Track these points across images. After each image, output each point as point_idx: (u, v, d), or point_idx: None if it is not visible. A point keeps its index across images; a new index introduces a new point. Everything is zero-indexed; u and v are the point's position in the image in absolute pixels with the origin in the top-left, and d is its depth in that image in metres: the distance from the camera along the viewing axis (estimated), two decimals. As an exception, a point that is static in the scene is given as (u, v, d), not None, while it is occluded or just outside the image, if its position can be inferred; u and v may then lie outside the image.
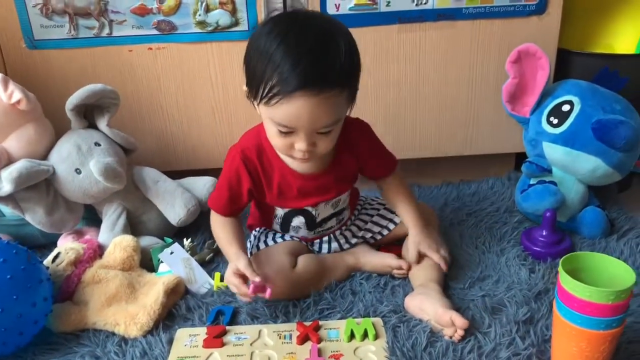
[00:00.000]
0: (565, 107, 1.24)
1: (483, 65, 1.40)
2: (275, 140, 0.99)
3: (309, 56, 0.89)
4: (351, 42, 0.96)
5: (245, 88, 1.00)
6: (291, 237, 1.18)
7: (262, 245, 1.16)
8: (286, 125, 0.94)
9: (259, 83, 0.93)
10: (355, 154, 1.12)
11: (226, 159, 1.10)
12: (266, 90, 0.92)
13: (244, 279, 1.01)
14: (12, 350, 0.96)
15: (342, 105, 0.97)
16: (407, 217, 1.16)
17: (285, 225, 1.17)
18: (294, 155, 1.00)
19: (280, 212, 1.15)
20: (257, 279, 0.99)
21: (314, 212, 1.14)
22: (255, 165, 1.08)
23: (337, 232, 1.21)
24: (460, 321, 0.95)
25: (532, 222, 1.31)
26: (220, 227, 1.12)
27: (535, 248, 1.19)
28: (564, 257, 0.85)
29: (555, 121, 1.25)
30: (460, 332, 0.96)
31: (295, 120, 0.93)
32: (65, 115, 1.21)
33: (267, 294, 0.99)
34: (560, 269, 0.83)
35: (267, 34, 0.92)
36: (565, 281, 0.82)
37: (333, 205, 1.15)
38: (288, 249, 1.14)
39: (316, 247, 1.20)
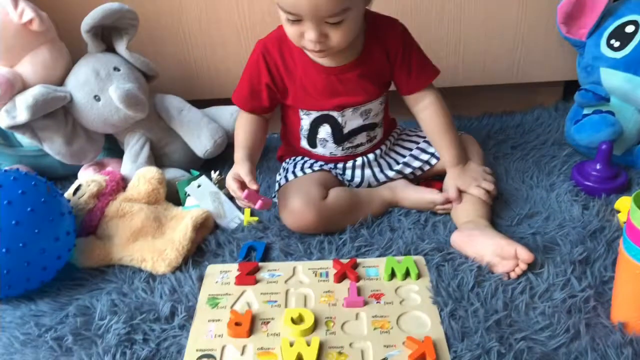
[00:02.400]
0: (629, 28, 1.12)
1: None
2: (287, 29, 0.95)
3: None
4: None
5: None
6: (321, 166, 1.11)
7: (290, 177, 1.09)
8: (290, 11, 0.90)
9: None
10: (386, 51, 1.03)
11: (251, 56, 1.06)
12: None
13: (243, 186, 0.99)
14: (36, 286, 0.92)
15: None
16: (445, 154, 1.08)
17: (312, 139, 1.09)
18: (305, 46, 0.96)
19: (305, 121, 1.07)
20: (255, 187, 0.98)
21: (340, 119, 1.06)
22: (275, 59, 1.03)
23: (372, 157, 1.12)
24: (526, 254, 0.89)
25: (584, 156, 1.22)
26: (241, 127, 1.08)
27: (588, 183, 1.10)
28: (636, 192, 0.76)
29: (616, 44, 1.13)
30: (522, 266, 0.90)
31: (296, 4, 0.88)
32: (82, 38, 1.12)
33: (258, 205, 0.98)
34: (632, 204, 0.75)
35: None
36: (638, 218, 0.74)
37: (362, 114, 1.06)
38: (318, 180, 1.07)
39: (348, 176, 1.13)
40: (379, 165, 1.13)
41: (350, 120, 1.06)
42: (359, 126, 1.08)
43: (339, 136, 1.08)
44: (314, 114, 1.06)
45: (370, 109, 1.07)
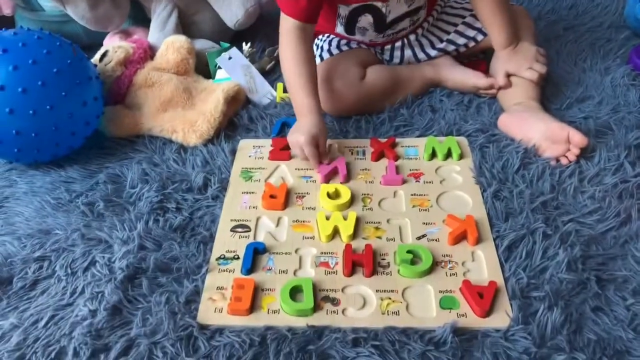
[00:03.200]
0: None
1: None
2: None
3: None
4: None
5: None
6: (358, 44, 1.03)
7: (325, 55, 1.02)
8: None
9: None
10: None
11: None
12: None
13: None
14: (65, 152, 0.90)
15: None
16: (496, 34, 0.99)
17: (350, 27, 1.01)
18: None
19: (344, 10, 0.98)
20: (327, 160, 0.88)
21: (384, 10, 0.97)
22: None
23: (413, 38, 1.05)
24: (580, 137, 0.83)
25: (644, 40, 1.13)
26: (295, 57, 0.91)
27: (648, 67, 1.02)
28: None
29: None
30: (575, 151, 0.85)
31: None
32: None
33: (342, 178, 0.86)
34: None
35: None
36: None
37: (407, 1, 0.98)
38: (356, 58, 1.00)
39: (387, 56, 1.06)
40: (420, 45, 1.06)
41: (395, 8, 0.98)
42: (404, 13, 0.99)
43: (382, 25, 1.00)
44: (354, 5, 0.96)
45: None
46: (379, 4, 0.96)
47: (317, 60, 1.02)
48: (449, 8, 1.08)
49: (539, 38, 1.14)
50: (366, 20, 0.99)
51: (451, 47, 1.05)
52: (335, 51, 1.02)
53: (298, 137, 0.86)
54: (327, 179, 0.86)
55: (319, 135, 0.87)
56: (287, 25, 0.91)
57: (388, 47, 1.05)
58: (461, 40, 1.05)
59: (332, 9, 0.99)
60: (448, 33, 1.05)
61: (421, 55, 1.06)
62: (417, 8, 1.00)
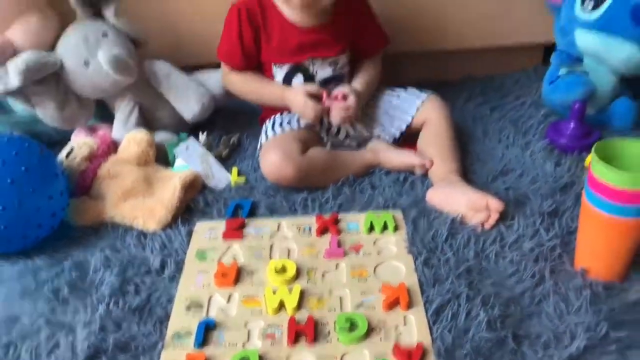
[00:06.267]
0: (603, -10, 1.15)
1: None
2: None
3: None
4: None
5: None
6: (305, 123, 1.15)
7: (270, 133, 1.14)
8: None
9: None
10: (352, 16, 1.16)
11: (229, 14, 1.15)
12: None
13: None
14: (32, 243, 0.97)
15: None
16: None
17: None
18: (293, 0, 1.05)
19: (279, 75, 1.16)
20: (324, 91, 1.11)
21: (311, 68, 1.14)
22: (257, 18, 1.12)
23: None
24: (497, 203, 0.94)
25: (560, 116, 1.25)
26: (244, 80, 1.19)
27: (562, 141, 1.15)
28: (596, 144, 0.81)
29: (590, 6, 1.16)
30: (495, 216, 0.95)
31: None
32: (70, 4, 1.15)
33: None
34: (592, 154, 0.79)
35: None
36: (597, 167, 0.78)
37: (330, 64, 1.15)
38: (298, 136, 1.12)
39: (333, 131, 1.18)
40: (352, 125, 1.18)
41: (321, 69, 1.15)
42: (330, 76, 1.16)
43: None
44: (287, 66, 1.15)
45: (338, 60, 1.16)
46: (306, 62, 1.14)
47: (263, 138, 1.14)
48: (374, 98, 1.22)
49: (468, 119, 1.29)
50: (298, 80, 1.16)
51: (385, 136, 1.18)
52: (278, 129, 1.14)
53: (298, 99, 1.09)
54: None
55: (305, 89, 1.10)
56: (227, 69, 1.20)
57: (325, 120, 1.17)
58: (393, 130, 1.18)
59: (269, 76, 1.17)
60: (374, 121, 1.19)
61: (351, 130, 1.18)
62: (341, 75, 1.18)
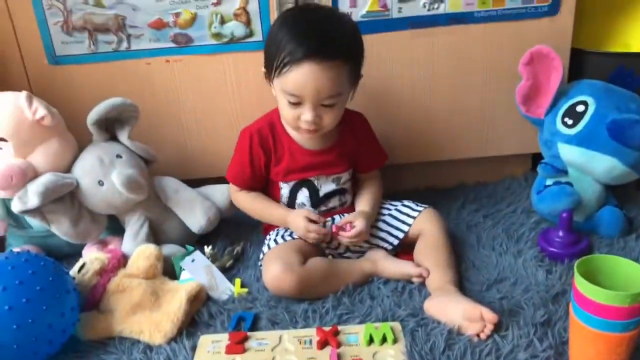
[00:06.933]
0: (580, 108, 1.24)
1: (496, 68, 1.40)
2: (286, 112, 1.13)
3: (315, 31, 1.07)
4: (354, 26, 1.15)
5: (263, 70, 1.16)
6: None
7: (272, 244, 1.19)
8: (294, 93, 1.08)
9: (273, 59, 1.09)
10: (355, 137, 1.25)
11: (241, 138, 1.24)
12: (278, 62, 1.07)
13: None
14: (42, 359, 1.00)
15: (344, 78, 1.10)
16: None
17: (292, 204, 1.25)
18: (301, 126, 1.13)
19: (285, 190, 1.24)
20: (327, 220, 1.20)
21: (316, 183, 1.22)
22: (269, 143, 1.21)
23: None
24: (490, 315, 0.97)
25: (550, 223, 1.31)
26: (252, 200, 1.26)
27: (552, 249, 1.19)
28: (578, 261, 0.86)
29: (569, 122, 1.25)
30: (490, 327, 0.98)
31: (302, 86, 1.07)
32: (87, 128, 1.24)
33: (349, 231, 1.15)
34: (575, 272, 0.84)
35: (281, 22, 1.11)
36: (581, 284, 0.83)
37: (334, 180, 1.23)
38: (298, 247, 1.18)
39: (333, 244, 1.23)
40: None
41: (325, 184, 1.23)
42: (332, 190, 1.24)
43: (316, 199, 1.24)
44: (293, 182, 1.23)
45: (341, 176, 1.25)
46: (312, 178, 1.21)
47: (265, 248, 1.20)
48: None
49: (462, 225, 1.34)
50: (303, 194, 1.23)
51: (384, 245, 1.23)
52: (280, 240, 1.19)
53: (299, 226, 1.15)
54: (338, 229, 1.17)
55: (305, 214, 1.16)
56: (235, 189, 1.27)
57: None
58: (390, 238, 1.23)
59: (276, 191, 1.24)
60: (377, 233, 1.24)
61: (353, 248, 1.23)
62: (343, 189, 1.26)
